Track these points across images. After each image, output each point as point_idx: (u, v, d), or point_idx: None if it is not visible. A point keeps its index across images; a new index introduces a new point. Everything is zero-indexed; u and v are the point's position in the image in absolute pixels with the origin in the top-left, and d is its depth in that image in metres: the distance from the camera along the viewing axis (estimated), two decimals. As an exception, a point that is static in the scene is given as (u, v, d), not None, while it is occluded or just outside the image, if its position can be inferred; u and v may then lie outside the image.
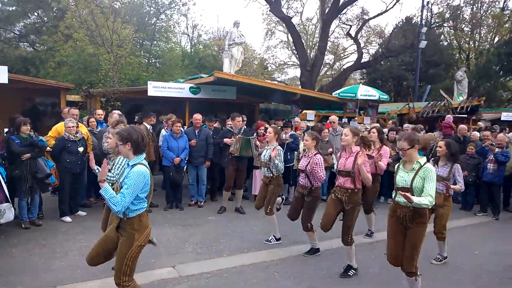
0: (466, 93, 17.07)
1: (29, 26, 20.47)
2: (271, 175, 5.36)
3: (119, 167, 4.06)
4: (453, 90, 17.56)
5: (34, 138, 5.83)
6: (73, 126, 6.15)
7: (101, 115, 7.75)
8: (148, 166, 3.10)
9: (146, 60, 20.30)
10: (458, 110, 13.79)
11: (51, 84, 11.51)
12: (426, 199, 3.38)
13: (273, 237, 5.45)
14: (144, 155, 3.14)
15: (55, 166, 6.13)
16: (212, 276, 4.32)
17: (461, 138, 8.64)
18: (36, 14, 20.63)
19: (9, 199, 5.17)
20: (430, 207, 3.48)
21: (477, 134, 8.98)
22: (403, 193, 3.37)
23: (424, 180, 3.44)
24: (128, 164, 3.09)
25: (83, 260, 4.53)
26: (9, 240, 5.19)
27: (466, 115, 13.97)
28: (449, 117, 11.51)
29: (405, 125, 10.09)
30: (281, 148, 5.52)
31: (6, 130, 7.02)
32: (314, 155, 4.74)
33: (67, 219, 6.09)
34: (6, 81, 9.11)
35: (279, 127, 8.22)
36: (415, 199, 3.35)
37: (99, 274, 4.10)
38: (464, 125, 9.30)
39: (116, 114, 6.50)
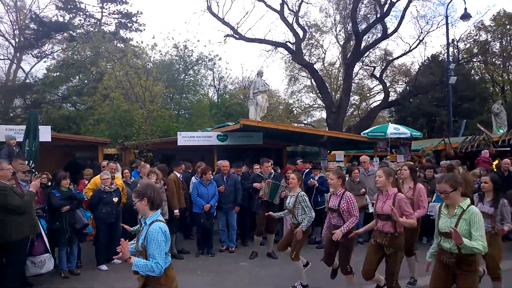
0: (506, 125, 16.41)
1: (71, 88, 22.23)
2: (297, 222, 5.25)
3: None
4: (491, 124, 16.98)
5: (73, 191, 6.15)
6: (107, 178, 6.45)
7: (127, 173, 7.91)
8: (164, 221, 3.07)
9: (176, 112, 21.27)
10: (499, 143, 13.22)
11: (90, 140, 12.25)
12: (477, 243, 3.13)
13: (300, 284, 5.19)
14: (160, 210, 3.09)
15: (92, 217, 6.38)
16: (245, 324, 4.19)
17: (505, 173, 8.19)
18: (77, 77, 22.46)
19: (49, 250, 5.38)
20: (482, 253, 3.21)
21: None
22: (454, 232, 3.10)
23: (470, 225, 3.20)
24: (145, 222, 3.04)
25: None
26: (50, 289, 5.33)
27: (509, 148, 13.33)
28: (485, 152, 11.05)
29: (442, 162, 9.77)
30: (304, 194, 5.35)
31: (48, 184, 7.45)
32: (343, 193, 4.64)
33: (104, 267, 6.22)
34: (49, 139, 9.86)
35: (307, 169, 8.24)
36: (466, 241, 3.10)
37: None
38: (508, 159, 8.84)
39: (148, 165, 6.76)
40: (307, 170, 8.24)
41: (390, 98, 22.92)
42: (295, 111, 32.92)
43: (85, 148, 12.57)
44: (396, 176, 4.65)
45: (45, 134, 9.61)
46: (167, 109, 17.64)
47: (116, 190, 6.55)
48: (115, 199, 6.43)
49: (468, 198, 3.39)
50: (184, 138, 11.54)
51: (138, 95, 14.29)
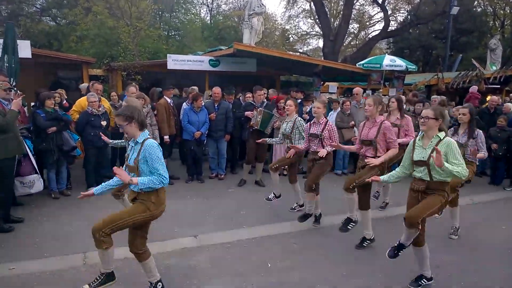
0: (499, 62, 16.19)
1: (50, 0, 20.58)
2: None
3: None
4: (486, 59, 16.68)
5: (58, 112, 5.96)
6: (95, 101, 6.24)
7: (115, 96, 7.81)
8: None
9: (166, 33, 20.18)
10: (490, 80, 13.14)
11: (73, 58, 11.65)
12: (458, 167, 3.18)
13: (274, 195, 5.56)
14: (147, 130, 3.15)
15: (80, 139, 6.29)
16: (232, 246, 4.39)
17: (491, 110, 8.24)
18: (56, -13, 20.67)
19: (37, 171, 5.37)
20: (463, 177, 3.22)
21: (510, 105, 8.54)
22: (437, 152, 3.10)
23: (447, 156, 3.23)
24: (137, 142, 3.08)
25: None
26: (41, 209, 5.44)
27: (499, 86, 13.31)
28: (474, 88, 10.95)
29: (433, 97, 9.69)
30: (301, 119, 5.48)
31: (32, 104, 7.21)
32: (326, 122, 4.83)
33: (94, 190, 6.29)
34: (29, 56, 9.31)
35: (299, 100, 8.12)
36: (447, 164, 3.15)
37: (125, 241, 4.22)
38: (496, 97, 8.84)
39: (133, 87, 6.52)
40: (298, 101, 8.12)
41: (389, 28, 22.05)
42: (291, 38, 31.64)
43: (69, 67, 11.99)
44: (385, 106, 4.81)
45: (24, 49, 9.02)
46: (155, 29, 16.70)
47: (104, 113, 6.38)
48: (104, 123, 6.29)
49: (443, 131, 3.40)
50: (174, 62, 11.09)
51: (124, 10, 13.36)
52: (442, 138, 3.31)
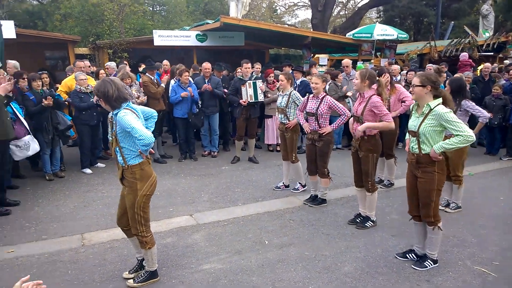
0: (492, 28, 16.03)
1: (31, -22, 19.84)
2: (287, 121, 5.25)
3: None
4: (478, 26, 16.52)
5: (47, 93, 5.81)
6: (85, 79, 6.17)
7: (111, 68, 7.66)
8: (133, 109, 2.94)
9: (151, 8, 19.66)
10: (483, 47, 13.05)
11: (57, 37, 11.32)
12: (457, 138, 3.01)
13: (300, 185, 5.48)
14: (127, 103, 2.94)
15: (71, 120, 6.21)
16: (229, 223, 4.41)
17: (485, 78, 8.20)
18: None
19: (30, 132, 5.33)
20: (467, 143, 3.05)
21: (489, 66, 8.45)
22: (434, 156, 3.11)
23: (444, 125, 3.07)
24: (115, 114, 2.94)
25: (106, 209, 4.74)
26: (36, 191, 5.42)
27: (492, 53, 13.23)
28: (465, 55, 10.85)
29: (428, 65, 9.60)
30: (297, 92, 5.37)
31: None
32: (324, 97, 4.62)
33: (88, 171, 6.28)
34: (14, 36, 9.06)
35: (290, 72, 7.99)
36: (437, 146, 3.08)
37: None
38: (489, 64, 8.77)
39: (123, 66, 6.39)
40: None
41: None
42: (279, 10, 30.98)
43: (55, 46, 11.69)
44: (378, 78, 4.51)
45: (8, 30, 8.70)
46: (140, 4, 16.22)
47: (92, 92, 6.25)
48: (95, 100, 6.17)
49: (440, 98, 3.21)
50: (161, 38, 10.82)
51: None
52: (432, 108, 3.14)
